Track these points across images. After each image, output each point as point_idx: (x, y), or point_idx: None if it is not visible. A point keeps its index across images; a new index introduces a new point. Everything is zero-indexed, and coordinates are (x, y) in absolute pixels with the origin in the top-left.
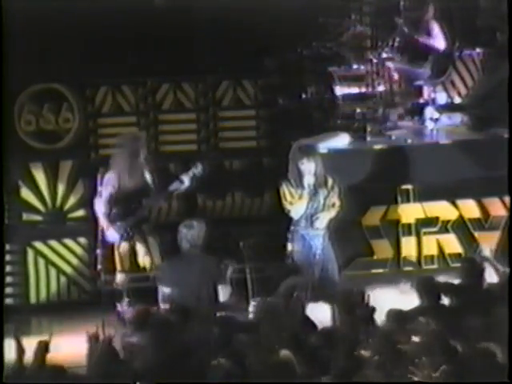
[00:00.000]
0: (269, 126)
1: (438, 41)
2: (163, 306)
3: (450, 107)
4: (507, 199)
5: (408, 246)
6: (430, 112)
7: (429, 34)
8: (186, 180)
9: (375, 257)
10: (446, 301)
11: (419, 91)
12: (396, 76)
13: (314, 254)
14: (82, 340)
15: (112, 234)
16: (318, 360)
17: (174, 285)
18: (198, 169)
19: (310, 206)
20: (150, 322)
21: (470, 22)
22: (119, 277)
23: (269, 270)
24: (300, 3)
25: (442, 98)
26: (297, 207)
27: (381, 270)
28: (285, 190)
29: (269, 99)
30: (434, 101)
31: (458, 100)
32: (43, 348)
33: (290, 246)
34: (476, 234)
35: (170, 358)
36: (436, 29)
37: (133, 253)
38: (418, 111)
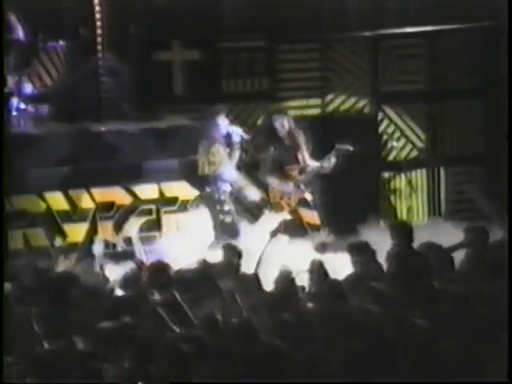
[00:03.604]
0: None
1: (17, 32)
2: None
3: (35, 98)
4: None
5: None
6: (16, 102)
7: (9, 27)
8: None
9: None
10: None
11: (4, 81)
12: None
13: None
14: None
15: None
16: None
17: None
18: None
19: None
20: None
21: (52, 16)
22: None
23: None
24: None
25: (27, 88)
26: None
27: None
28: None
29: None
30: (20, 91)
31: (43, 91)
32: None
33: None
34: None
35: None
36: (14, 21)
37: None
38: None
